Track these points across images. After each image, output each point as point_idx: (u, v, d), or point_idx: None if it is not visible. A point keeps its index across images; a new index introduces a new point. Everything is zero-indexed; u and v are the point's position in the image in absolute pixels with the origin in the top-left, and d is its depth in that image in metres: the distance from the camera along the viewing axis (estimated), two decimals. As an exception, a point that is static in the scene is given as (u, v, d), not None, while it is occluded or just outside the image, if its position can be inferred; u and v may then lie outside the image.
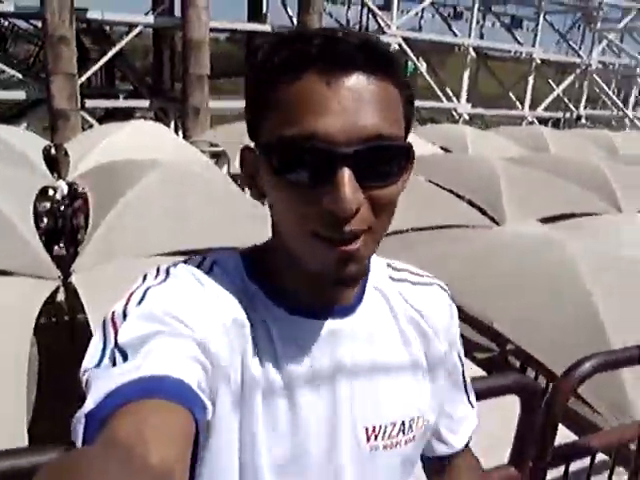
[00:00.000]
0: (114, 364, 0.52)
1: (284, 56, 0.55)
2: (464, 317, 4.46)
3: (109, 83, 18.24)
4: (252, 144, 0.61)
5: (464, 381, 0.80)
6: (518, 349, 4.26)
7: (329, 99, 0.53)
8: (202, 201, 4.83)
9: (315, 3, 12.18)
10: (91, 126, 11.33)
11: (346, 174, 0.53)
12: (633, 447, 1.82)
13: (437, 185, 6.34)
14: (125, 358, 0.52)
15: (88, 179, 5.92)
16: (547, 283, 3.75)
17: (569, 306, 3.39)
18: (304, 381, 0.64)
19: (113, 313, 0.58)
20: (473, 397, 0.82)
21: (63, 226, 7.78)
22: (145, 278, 0.63)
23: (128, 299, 0.59)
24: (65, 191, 7.73)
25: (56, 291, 4.05)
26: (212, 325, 0.59)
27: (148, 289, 0.60)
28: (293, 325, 0.64)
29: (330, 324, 0.66)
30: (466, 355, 0.83)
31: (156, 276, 0.63)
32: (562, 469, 1.49)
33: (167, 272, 0.63)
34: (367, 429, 0.67)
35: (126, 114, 13.58)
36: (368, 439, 0.67)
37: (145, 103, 13.88)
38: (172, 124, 13.58)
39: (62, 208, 7.72)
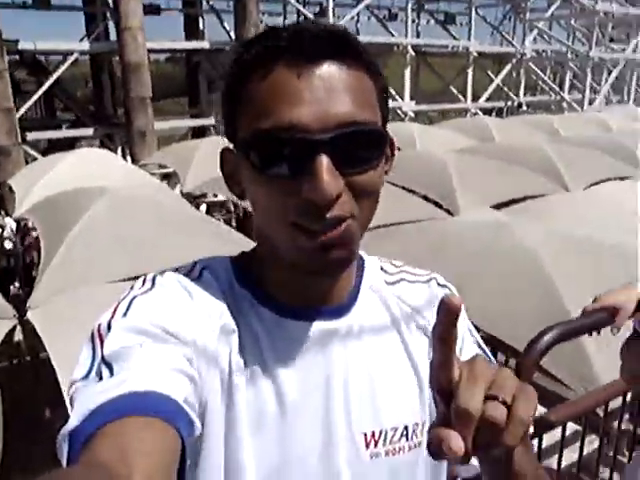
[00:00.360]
0: (100, 377, 0.51)
1: (254, 52, 0.56)
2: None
3: (50, 114, 17.84)
4: (231, 146, 0.62)
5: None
6: (488, 335, 4.34)
7: (300, 89, 0.53)
8: (154, 223, 4.76)
9: (251, 16, 12.20)
10: (35, 159, 11.04)
11: (324, 161, 0.53)
12: (602, 414, 1.87)
13: (390, 183, 6.41)
14: (111, 371, 0.51)
15: (36, 213, 5.75)
16: (505, 266, 3.83)
17: (527, 286, 3.48)
18: (294, 385, 0.62)
19: (99, 325, 0.57)
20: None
21: (15, 264, 7.55)
22: (132, 288, 0.62)
23: (114, 310, 0.58)
24: (14, 228, 7.51)
25: (13, 330, 3.92)
26: (199, 334, 0.58)
27: (134, 299, 0.59)
28: (282, 328, 0.63)
29: (321, 325, 0.64)
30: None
31: (142, 285, 0.62)
32: (535, 443, 1.52)
33: (153, 281, 0.62)
34: (366, 434, 0.64)
35: (70, 144, 13.31)
36: (367, 445, 0.64)
37: (89, 131, 13.63)
38: (119, 150, 13.37)
39: (12, 246, 7.50)
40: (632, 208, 4.68)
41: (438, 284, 0.74)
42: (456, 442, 0.41)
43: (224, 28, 17.36)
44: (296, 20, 17.61)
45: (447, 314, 0.43)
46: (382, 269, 0.73)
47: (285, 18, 20.75)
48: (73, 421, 0.48)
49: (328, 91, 0.54)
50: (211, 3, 18.60)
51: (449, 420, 0.43)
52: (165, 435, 0.47)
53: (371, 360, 0.66)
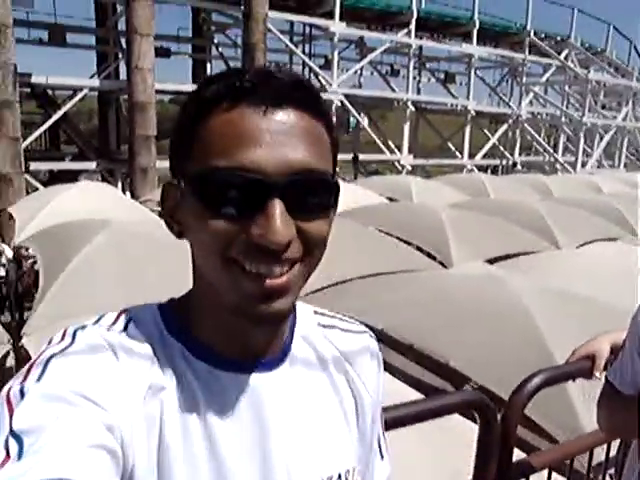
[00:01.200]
0: (7, 454, 0.46)
1: (215, 89, 0.55)
2: (420, 359, 4.56)
3: (54, 146, 18.09)
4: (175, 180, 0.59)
5: (383, 433, 0.79)
6: (476, 387, 4.37)
7: (262, 132, 0.53)
8: (154, 259, 4.83)
9: (259, 64, 12.58)
10: (36, 189, 11.16)
11: (277, 205, 0.52)
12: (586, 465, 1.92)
13: (386, 233, 6.53)
14: (21, 448, 0.46)
15: (37, 242, 5.82)
16: (497, 319, 3.90)
17: (518, 340, 3.54)
18: (231, 443, 0.59)
19: (9, 390, 0.51)
20: (385, 449, 0.79)
21: (8, 292, 7.54)
22: (49, 342, 0.57)
23: (27, 373, 0.53)
24: (10, 256, 7.54)
25: (6, 356, 3.94)
26: (124, 397, 0.54)
27: (50, 360, 0.54)
28: (216, 381, 0.60)
29: (256, 378, 0.62)
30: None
31: (60, 340, 0.56)
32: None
33: (73, 336, 0.57)
34: None
35: (72, 177, 13.46)
36: None
37: (91, 165, 13.81)
38: (119, 185, 13.53)
39: (5, 273, 7.51)
40: (622, 269, 4.80)
41: (370, 336, 0.76)
42: None
43: (231, 74, 17.82)
44: (301, 70, 18.16)
45: None
46: (316, 312, 0.73)
47: (291, 69, 21.34)
48: None
49: (287, 136, 0.54)
50: (220, 50, 19.18)
51: None
52: None
53: (306, 411, 0.65)
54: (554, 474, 1.80)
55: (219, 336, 0.61)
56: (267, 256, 0.53)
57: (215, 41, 19.25)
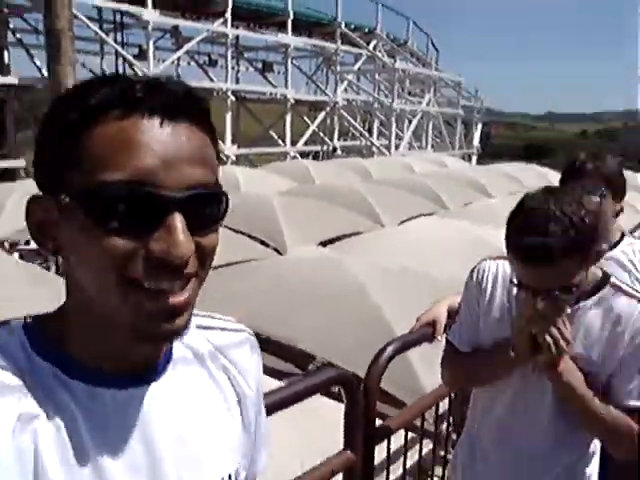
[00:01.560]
0: None
1: (103, 96, 0.52)
2: (266, 345, 4.63)
3: None
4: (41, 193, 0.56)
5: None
6: (319, 365, 4.56)
7: (158, 144, 0.52)
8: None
9: (67, 53, 11.64)
10: None
11: (179, 219, 0.51)
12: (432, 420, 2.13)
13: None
14: None
15: None
16: (335, 298, 4.10)
17: (358, 314, 3.77)
18: (118, 466, 0.57)
19: None
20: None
21: None
22: None
23: None
24: None
25: None
26: None
27: None
28: (96, 400, 0.57)
29: (142, 391, 0.60)
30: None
31: None
32: (385, 448, 1.70)
33: None
34: None
35: None
36: None
37: None
38: None
39: None
40: (441, 241, 5.32)
41: (248, 333, 0.77)
42: None
43: (35, 64, 16.31)
44: (114, 61, 17.16)
45: None
46: (195, 315, 0.70)
47: (102, 58, 20.10)
48: None
49: (182, 150, 0.53)
50: (18, 36, 17.40)
51: None
52: None
53: (193, 415, 0.64)
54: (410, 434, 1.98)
55: (101, 353, 0.58)
56: (169, 272, 0.52)
57: (11, 26, 17.36)
